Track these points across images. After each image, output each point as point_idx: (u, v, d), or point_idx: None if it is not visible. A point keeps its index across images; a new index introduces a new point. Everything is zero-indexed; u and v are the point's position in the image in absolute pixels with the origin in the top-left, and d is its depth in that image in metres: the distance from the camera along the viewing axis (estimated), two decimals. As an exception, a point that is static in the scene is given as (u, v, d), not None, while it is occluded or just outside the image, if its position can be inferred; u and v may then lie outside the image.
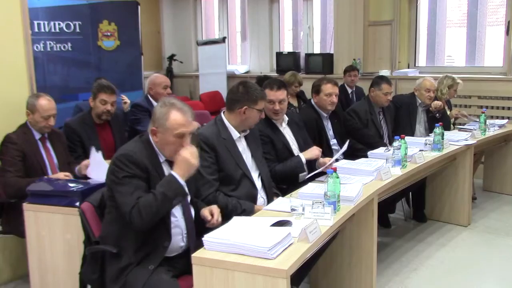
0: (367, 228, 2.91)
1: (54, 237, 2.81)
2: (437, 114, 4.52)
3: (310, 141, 3.49)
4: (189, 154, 2.27)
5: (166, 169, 2.35)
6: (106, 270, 2.30)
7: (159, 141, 2.33)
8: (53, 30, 5.61)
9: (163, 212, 2.25)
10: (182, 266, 2.35)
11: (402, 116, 4.56)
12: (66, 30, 5.71)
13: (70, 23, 5.73)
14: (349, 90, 5.87)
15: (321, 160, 3.23)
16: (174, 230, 2.34)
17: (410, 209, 4.49)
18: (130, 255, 2.26)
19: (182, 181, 2.25)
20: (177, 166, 2.27)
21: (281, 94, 3.26)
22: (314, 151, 3.24)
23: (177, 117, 2.29)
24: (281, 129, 3.38)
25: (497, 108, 5.61)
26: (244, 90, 2.85)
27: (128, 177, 2.22)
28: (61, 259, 2.82)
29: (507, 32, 5.60)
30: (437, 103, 4.55)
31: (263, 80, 5.09)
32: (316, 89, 3.80)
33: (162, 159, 2.36)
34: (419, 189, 4.30)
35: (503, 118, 5.30)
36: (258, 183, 2.93)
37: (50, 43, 5.60)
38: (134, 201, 2.19)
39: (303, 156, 3.23)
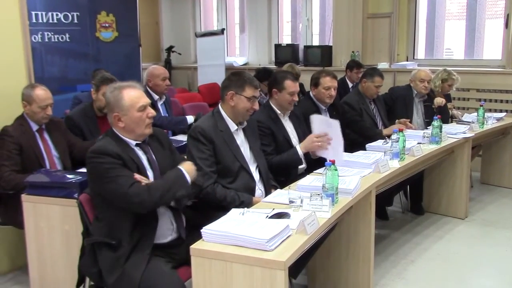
0: (365, 221, 2.93)
1: (53, 229, 2.82)
2: (437, 109, 4.54)
3: (309, 134, 3.50)
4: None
5: (140, 153, 2.42)
6: (100, 260, 2.31)
7: (126, 125, 2.36)
8: (51, 21, 5.57)
9: (173, 193, 2.32)
10: (180, 256, 2.37)
11: (399, 108, 4.57)
12: (64, 21, 5.67)
13: (68, 14, 5.69)
14: (350, 85, 5.86)
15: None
16: (160, 209, 2.38)
17: (407, 201, 4.50)
18: (124, 243, 2.27)
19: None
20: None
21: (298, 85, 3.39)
22: (310, 139, 3.23)
23: (131, 93, 2.37)
24: (283, 121, 3.39)
25: (496, 101, 5.61)
26: (232, 77, 2.89)
27: (110, 168, 2.25)
28: (60, 251, 2.82)
29: (506, 25, 5.59)
30: (439, 100, 4.57)
31: (262, 72, 5.12)
32: (315, 82, 3.80)
33: (132, 144, 2.39)
34: (417, 182, 4.32)
35: (501, 111, 5.31)
36: (256, 175, 2.93)
37: (48, 34, 5.56)
38: (129, 181, 2.23)
39: (300, 148, 3.23)
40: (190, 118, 4.28)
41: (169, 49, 7.92)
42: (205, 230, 2.11)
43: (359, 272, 2.99)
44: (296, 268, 2.70)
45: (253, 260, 1.97)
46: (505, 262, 3.50)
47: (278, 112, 3.35)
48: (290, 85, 3.29)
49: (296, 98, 3.36)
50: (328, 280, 3.09)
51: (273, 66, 6.85)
